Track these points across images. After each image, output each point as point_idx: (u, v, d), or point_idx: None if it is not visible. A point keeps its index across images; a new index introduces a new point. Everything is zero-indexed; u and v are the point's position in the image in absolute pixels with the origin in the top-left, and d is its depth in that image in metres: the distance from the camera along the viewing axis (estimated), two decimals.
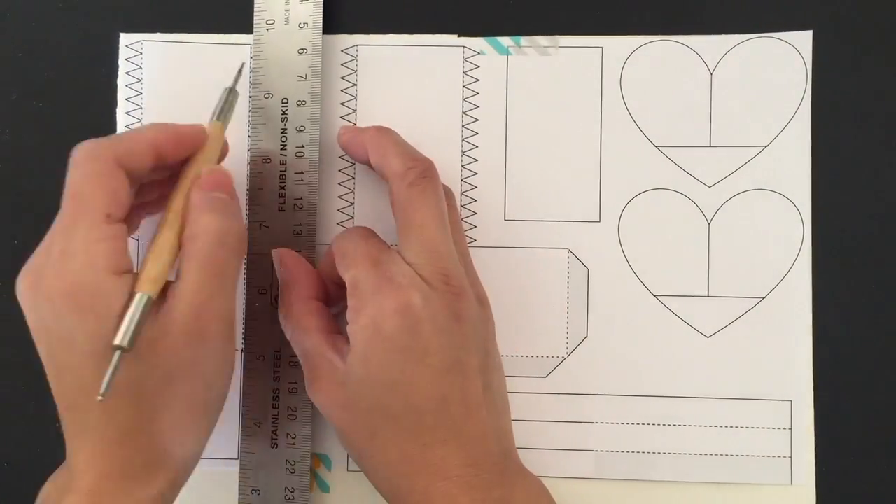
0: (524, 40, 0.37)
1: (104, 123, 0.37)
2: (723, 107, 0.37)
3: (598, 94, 0.37)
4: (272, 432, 0.35)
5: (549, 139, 0.37)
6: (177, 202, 0.31)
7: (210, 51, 0.37)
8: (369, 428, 0.30)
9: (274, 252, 0.35)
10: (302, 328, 0.33)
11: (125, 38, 0.37)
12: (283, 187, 0.35)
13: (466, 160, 0.37)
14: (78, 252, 0.28)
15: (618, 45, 0.37)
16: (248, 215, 0.35)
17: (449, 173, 0.37)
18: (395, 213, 0.32)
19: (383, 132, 0.34)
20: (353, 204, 0.37)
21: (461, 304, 0.31)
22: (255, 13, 0.36)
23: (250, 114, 0.36)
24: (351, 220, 0.37)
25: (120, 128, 0.37)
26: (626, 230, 0.37)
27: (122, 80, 0.37)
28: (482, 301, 0.33)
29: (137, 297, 0.29)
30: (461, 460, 0.30)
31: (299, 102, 0.35)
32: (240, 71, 0.34)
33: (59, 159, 0.35)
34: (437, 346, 0.30)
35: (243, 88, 0.35)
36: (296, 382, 0.35)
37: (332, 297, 0.34)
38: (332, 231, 0.37)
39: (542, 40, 0.37)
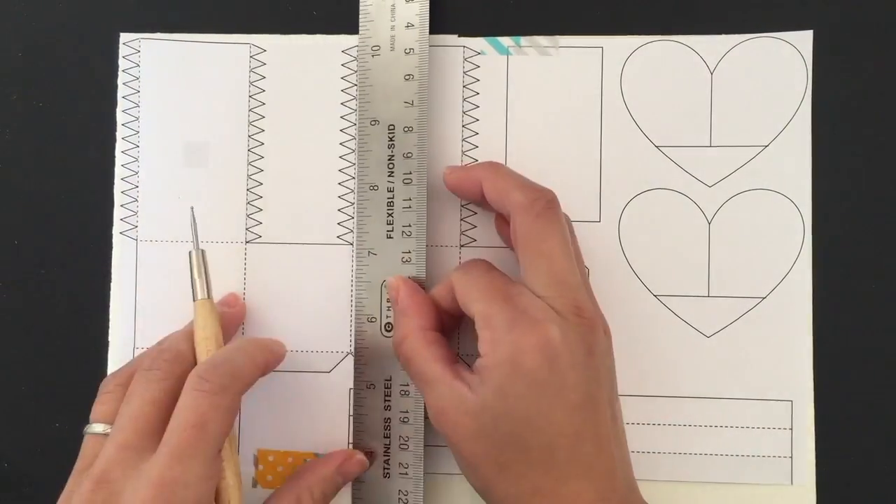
0: (524, 40, 0.37)
1: (104, 123, 0.37)
2: (723, 107, 0.37)
3: (599, 94, 0.37)
4: (384, 462, 0.35)
5: (549, 139, 0.37)
6: None
7: (209, 51, 0.37)
8: (500, 460, 0.30)
9: (389, 280, 0.34)
10: (423, 358, 0.32)
11: (124, 38, 0.37)
12: (390, 214, 0.35)
13: (466, 160, 0.37)
14: (190, 484, 0.28)
15: (618, 45, 0.37)
16: (356, 242, 0.35)
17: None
18: (518, 246, 0.32)
19: (497, 166, 0.34)
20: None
21: (594, 336, 0.31)
22: (359, 39, 0.36)
23: (356, 141, 0.36)
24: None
25: (119, 127, 0.37)
26: (626, 230, 0.37)
27: (121, 80, 0.37)
28: (606, 331, 0.32)
29: None
30: (593, 495, 0.29)
31: (406, 129, 0.35)
32: (193, 222, 0.34)
33: (60, 159, 0.35)
34: (574, 381, 0.30)
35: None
36: (407, 412, 0.35)
37: (445, 327, 0.34)
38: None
39: (542, 40, 0.37)
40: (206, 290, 0.33)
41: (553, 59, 0.37)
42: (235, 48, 0.37)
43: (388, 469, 0.35)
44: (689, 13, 0.37)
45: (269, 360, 0.33)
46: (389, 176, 0.35)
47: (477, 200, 0.35)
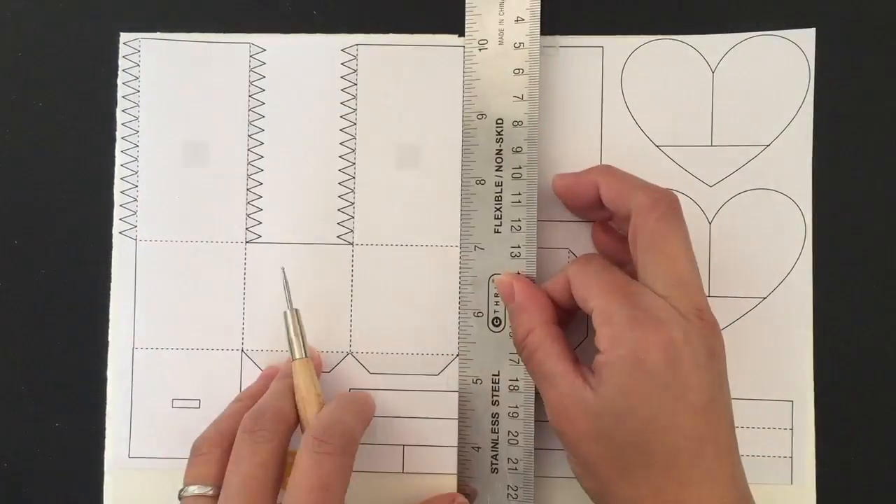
0: None
1: (104, 123, 0.37)
2: (724, 106, 0.37)
3: (599, 93, 0.37)
4: (492, 457, 0.35)
5: (548, 139, 0.37)
6: None
7: (209, 51, 0.37)
8: (621, 462, 0.30)
9: (504, 276, 0.34)
10: (547, 353, 0.32)
11: (124, 38, 0.37)
12: (499, 209, 0.35)
13: None
14: None
15: (618, 45, 0.37)
16: (462, 237, 0.35)
17: (449, 173, 0.37)
18: (639, 246, 0.32)
19: (613, 169, 0.34)
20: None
21: (715, 339, 0.30)
22: (466, 33, 0.36)
23: (463, 135, 0.36)
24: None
25: (119, 127, 0.37)
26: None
27: (121, 80, 0.37)
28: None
29: None
30: (715, 502, 0.29)
31: (515, 123, 0.35)
32: (286, 282, 0.34)
33: (60, 159, 0.35)
34: (697, 383, 0.29)
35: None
36: (516, 406, 0.35)
37: (561, 323, 0.34)
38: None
39: (542, 40, 0.37)
40: (303, 350, 0.33)
41: (553, 59, 0.37)
42: (235, 48, 0.37)
43: (496, 465, 0.35)
44: (690, 12, 0.37)
45: (370, 413, 0.34)
46: (497, 170, 0.35)
47: (585, 206, 0.35)
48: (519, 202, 0.35)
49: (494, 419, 0.35)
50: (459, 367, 0.35)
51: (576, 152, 0.37)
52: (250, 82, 0.37)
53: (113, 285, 0.37)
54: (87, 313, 0.37)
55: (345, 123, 0.37)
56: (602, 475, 0.30)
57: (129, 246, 0.37)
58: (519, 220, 0.35)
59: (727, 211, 0.36)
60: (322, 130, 0.37)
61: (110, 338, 0.37)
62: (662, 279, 0.31)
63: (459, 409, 0.35)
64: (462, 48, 0.37)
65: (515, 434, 0.35)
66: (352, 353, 0.36)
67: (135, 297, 0.37)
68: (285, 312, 0.33)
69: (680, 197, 0.36)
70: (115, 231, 0.37)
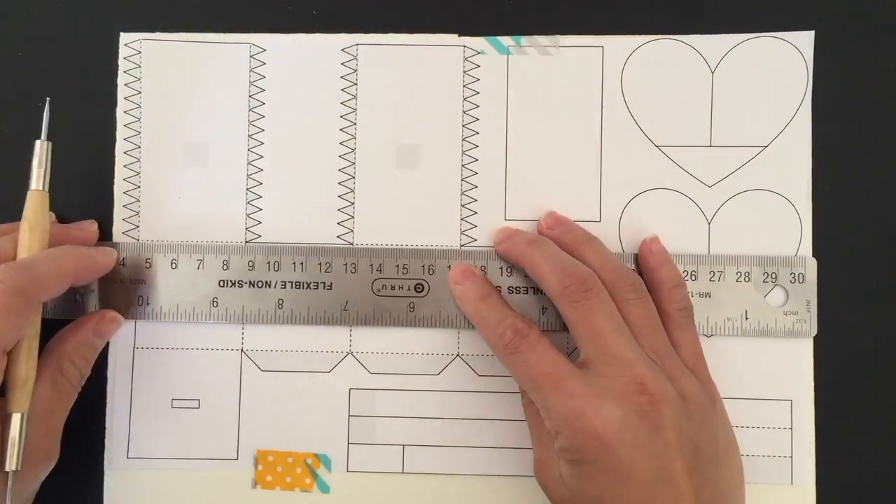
0: (525, 40, 0.37)
1: (104, 123, 0.37)
2: (724, 106, 0.37)
3: (599, 93, 0.37)
4: None
5: (549, 139, 0.37)
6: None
7: (209, 51, 0.37)
8: None
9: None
10: (533, 415, 0.33)
11: (125, 38, 0.37)
12: None
13: (466, 160, 0.37)
14: None
15: (618, 45, 0.37)
16: None
17: (449, 173, 0.37)
18: (569, 326, 0.33)
19: (534, 246, 0.34)
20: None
21: (658, 412, 0.30)
22: None
23: None
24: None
25: (120, 127, 0.37)
26: (626, 230, 0.37)
27: (121, 80, 0.37)
28: (685, 395, 0.31)
29: (15, 418, 0.30)
30: None
31: None
32: (47, 113, 0.34)
33: (60, 159, 0.35)
34: (640, 460, 0.30)
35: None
36: None
37: None
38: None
39: (542, 40, 0.37)
40: (42, 182, 0.33)
41: (553, 58, 0.37)
42: (235, 48, 0.37)
43: None
44: (691, 13, 0.37)
45: (83, 268, 0.33)
46: None
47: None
48: None
49: None
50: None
51: (576, 152, 0.37)
52: (250, 82, 0.37)
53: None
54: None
55: (345, 123, 0.37)
56: None
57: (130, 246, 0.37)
58: None
59: (726, 211, 0.36)
60: (322, 130, 0.37)
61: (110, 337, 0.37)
62: (597, 358, 0.31)
63: None
64: (462, 48, 0.37)
65: None
66: (352, 353, 0.36)
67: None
68: (37, 142, 0.33)
69: (679, 197, 0.36)
70: (115, 231, 0.37)
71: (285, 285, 0.36)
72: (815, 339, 0.36)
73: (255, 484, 0.36)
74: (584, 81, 0.37)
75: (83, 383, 0.34)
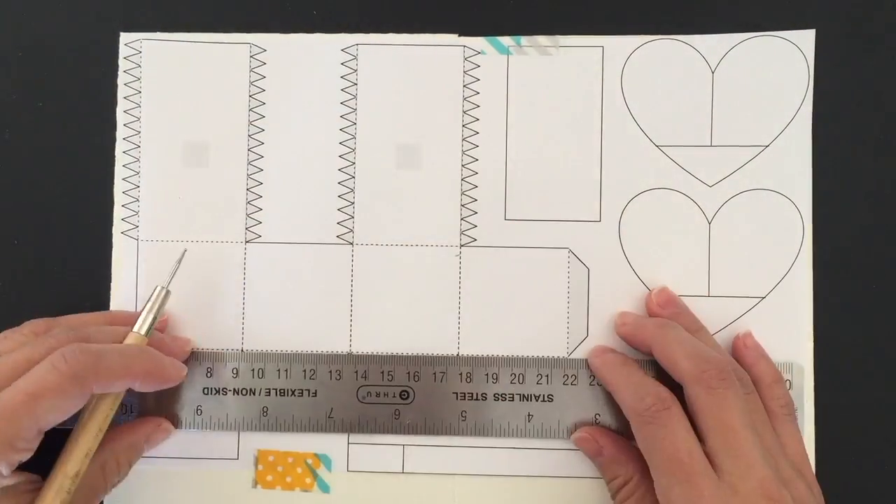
0: (525, 40, 0.37)
1: (104, 123, 0.37)
2: (724, 106, 0.37)
3: (599, 93, 0.37)
4: None
5: (549, 139, 0.37)
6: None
7: (209, 51, 0.37)
8: None
9: (582, 432, 0.35)
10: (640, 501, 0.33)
11: (125, 38, 0.37)
12: None
13: (466, 160, 0.37)
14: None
15: (618, 45, 0.37)
16: None
17: (449, 173, 0.37)
18: (696, 415, 0.32)
19: (666, 329, 0.34)
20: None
21: None
22: None
23: None
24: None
25: (120, 127, 0.37)
26: (626, 230, 0.37)
27: (121, 80, 0.37)
28: (799, 501, 0.31)
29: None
30: None
31: None
32: (179, 261, 0.34)
33: (60, 159, 0.35)
34: None
35: None
36: None
37: None
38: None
39: (542, 40, 0.37)
40: (147, 328, 0.33)
41: (553, 58, 0.37)
42: (235, 48, 0.37)
43: None
44: (690, 12, 0.37)
45: (151, 375, 0.32)
46: None
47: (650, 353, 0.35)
48: None
49: None
50: None
51: (576, 152, 0.37)
52: (250, 82, 0.37)
53: (113, 285, 0.37)
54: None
55: (345, 123, 0.37)
56: None
57: (130, 246, 0.37)
58: None
59: (727, 211, 0.36)
60: (322, 130, 0.37)
61: None
62: (723, 452, 0.30)
63: None
64: (462, 48, 0.37)
65: None
66: (352, 353, 0.36)
67: (135, 298, 0.37)
68: (156, 286, 0.33)
69: (679, 196, 0.36)
70: (115, 231, 0.37)
71: (269, 392, 0.35)
72: (815, 339, 0.36)
73: (255, 483, 0.36)
74: (584, 81, 0.37)
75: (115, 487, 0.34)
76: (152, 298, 0.33)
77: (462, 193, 0.37)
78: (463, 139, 0.37)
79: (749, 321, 0.36)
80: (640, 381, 0.33)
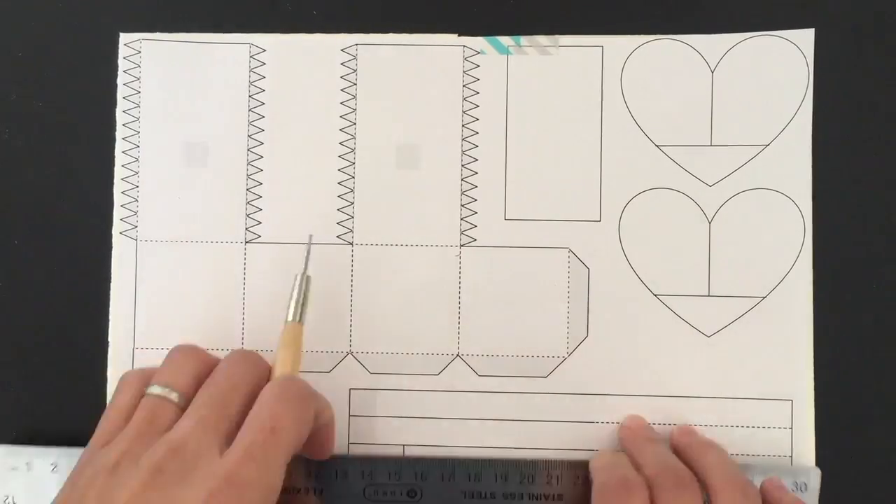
0: (524, 40, 0.37)
1: (104, 123, 0.37)
2: (724, 105, 0.37)
3: (599, 93, 0.37)
4: None
5: (549, 139, 0.37)
6: None
7: (209, 51, 0.37)
8: None
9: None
10: None
11: (124, 38, 0.37)
12: None
13: (466, 160, 0.37)
14: (255, 486, 0.28)
15: (618, 45, 0.37)
16: None
17: (449, 173, 0.37)
18: None
19: (685, 432, 0.35)
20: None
21: None
22: None
23: None
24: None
25: (119, 127, 0.37)
26: (626, 230, 0.37)
27: (121, 80, 0.37)
28: None
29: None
30: None
31: None
32: (308, 251, 0.34)
33: (60, 159, 0.35)
34: None
35: None
36: None
37: None
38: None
39: (542, 40, 0.37)
40: (299, 315, 0.33)
41: (553, 58, 0.37)
42: (235, 48, 0.37)
43: None
44: (690, 12, 0.37)
45: (329, 416, 0.33)
46: None
47: None
48: None
49: None
50: None
51: (576, 152, 0.37)
52: (250, 82, 0.37)
53: (113, 285, 0.37)
54: (87, 313, 0.37)
55: (345, 123, 0.37)
56: None
57: (130, 246, 0.37)
58: None
59: (727, 210, 0.36)
60: (322, 130, 0.37)
61: (110, 338, 0.37)
62: None
63: None
64: (462, 48, 0.37)
65: None
66: (352, 353, 0.36)
67: (135, 297, 0.37)
68: (296, 275, 0.33)
69: (679, 196, 0.36)
70: (115, 231, 0.37)
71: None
72: (815, 338, 0.36)
73: None
74: (584, 81, 0.37)
75: None
76: (296, 286, 0.33)
77: (462, 193, 0.37)
78: (462, 139, 0.37)
79: (749, 321, 0.36)
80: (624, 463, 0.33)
